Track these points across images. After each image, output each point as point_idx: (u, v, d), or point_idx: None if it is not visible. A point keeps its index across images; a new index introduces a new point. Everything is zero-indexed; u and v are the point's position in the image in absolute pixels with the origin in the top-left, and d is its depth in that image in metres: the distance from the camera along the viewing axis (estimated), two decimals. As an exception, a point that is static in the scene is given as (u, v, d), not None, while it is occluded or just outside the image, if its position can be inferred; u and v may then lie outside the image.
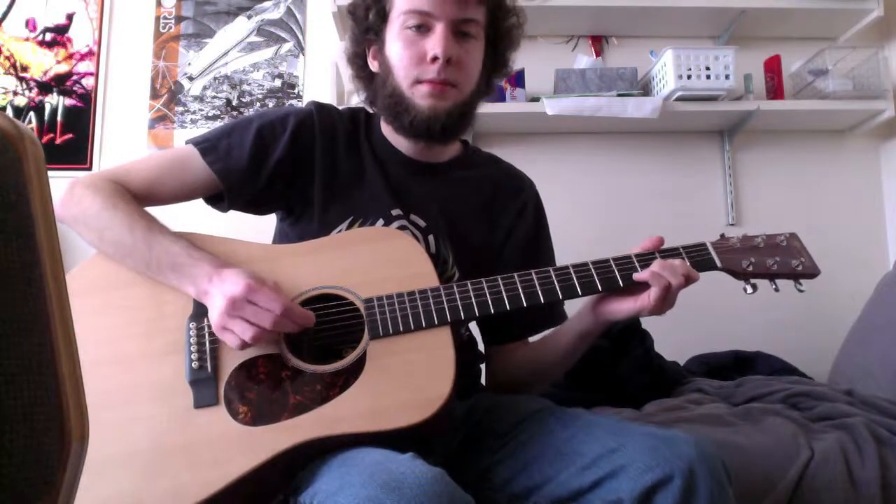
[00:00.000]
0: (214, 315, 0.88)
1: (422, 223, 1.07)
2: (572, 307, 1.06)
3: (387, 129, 1.13)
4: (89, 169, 2.13)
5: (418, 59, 1.02)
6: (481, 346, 1.19)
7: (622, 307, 0.96)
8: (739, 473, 0.90)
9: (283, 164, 1.06)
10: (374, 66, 1.10)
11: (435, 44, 1.00)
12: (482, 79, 1.09)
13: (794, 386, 1.43)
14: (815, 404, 1.35)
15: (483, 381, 1.20)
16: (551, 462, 0.87)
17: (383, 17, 1.06)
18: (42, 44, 2.21)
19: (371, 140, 1.13)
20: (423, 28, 1.02)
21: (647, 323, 1.60)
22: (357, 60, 1.12)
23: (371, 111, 1.17)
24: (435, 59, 1.00)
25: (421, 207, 1.08)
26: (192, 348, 0.90)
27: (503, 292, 0.94)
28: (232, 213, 1.11)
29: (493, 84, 1.17)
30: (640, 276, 0.93)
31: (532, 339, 1.18)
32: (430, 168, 1.13)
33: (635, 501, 0.78)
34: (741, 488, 0.86)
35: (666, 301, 0.93)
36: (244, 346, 0.88)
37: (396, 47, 1.04)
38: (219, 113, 2.19)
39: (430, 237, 1.07)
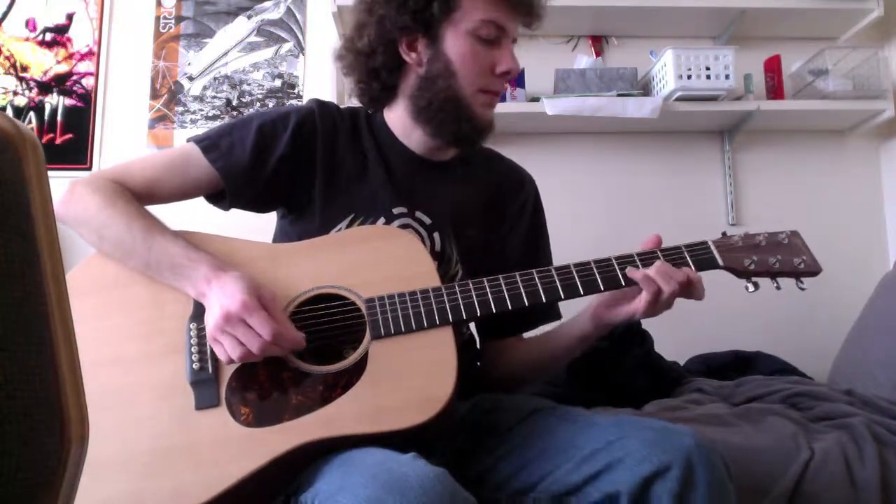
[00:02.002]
0: (210, 323, 0.88)
1: (427, 221, 1.07)
2: (572, 306, 1.06)
3: (399, 126, 1.11)
4: (89, 169, 2.13)
5: (488, 68, 1.03)
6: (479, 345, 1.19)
7: (618, 311, 0.97)
8: (739, 473, 0.90)
9: (285, 162, 1.06)
10: (410, 57, 1.05)
11: (509, 60, 1.03)
12: None
13: (794, 386, 1.43)
14: (815, 404, 1.34)
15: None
16: (551, 458, 0.87)
17: (447, 11, 1.01)
18: (42, 44, 2.21)
19: (375, 137, 1.12)
20: (495, 42, 1.03)
21: (647, 323, 1.60)
22: (389, 47, 1.05)
23: (372, 110, 1.16)
24: (506, 73, 1.04)
25: (427, 205, 1.08)
26: (192, 349, 0.90)
27: (505, 291, 0.94)
28: (232, 211, 1.11)
29: None
30: (633, 273, 0.93)
31: (527, 334, 1.18)
32: (435, 166, 1.12)
33: (633, 492, 0.78)
34: (741, 488, 0.86)
35: (658, 304, 0.93)
36: (231, 362, 0.88)
37: (464, 50, 1.02)
38: (219, 113, 2.19)
39: (436, 235, 1.07)
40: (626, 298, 0.96)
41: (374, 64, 1.07)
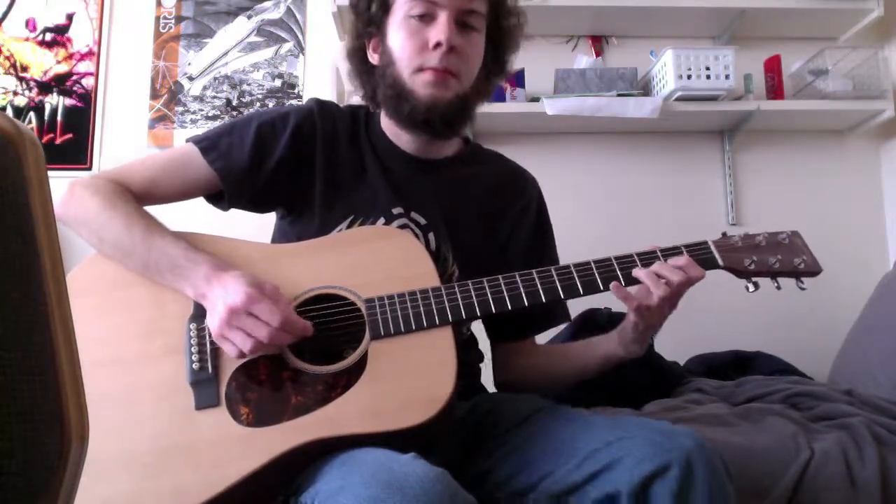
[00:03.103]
0: (214, 322, 0.88)
1: (422, 221, 1.07)
2: (575, 306, 1.06)
3: (388, 126, 1.12)
4: (89, 169, 2.13)
5: (421, 46, 1.01)
6: (481, 346, 1.19)
7: (627, 323, 0.99)
8: (739, 473, 0.90)
9: (284, 162, 1.06)
10: (374, 58, 1.09)
11: (438, 31, 0.99)
12: (482, 76, 1.08)
13: (794, 386, 1.43)
14: (815, 404, 1.34)
15: (483, 381, 1.20)
16: (551, 458, 0.87)
17: (385, 7, 1.05)
18: (42, 44, 2.21)
19: (372, 137, 1.13)
20: (426, 17, 1.01)
21: (648, 323, 1.60)
22: (357, 55, 1.11)
23: (372, 109, 1.17)
24: (437, 45, 0.99)
25: (421, 205, 1.08)
26: (192, 349, 0.90)
27: (504, 292, 0.94)
28: (232, 211, 1.11)
29: (493, 85, 1.16)
30: (617, 291, 0.94)
31: (539, 339, 1.19)
32: (431, 165, 1.12)
33: (633, 492, 0.78)
34: (741, 488, 0.86)
35: (652, 309, 0.94)
36: (242, 356, 0.88)
37: (399, 36, 1.03)
38: (219, 113, 2.19)
39: (430, 235, 1.07)
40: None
41: (357, 67, 1.12)
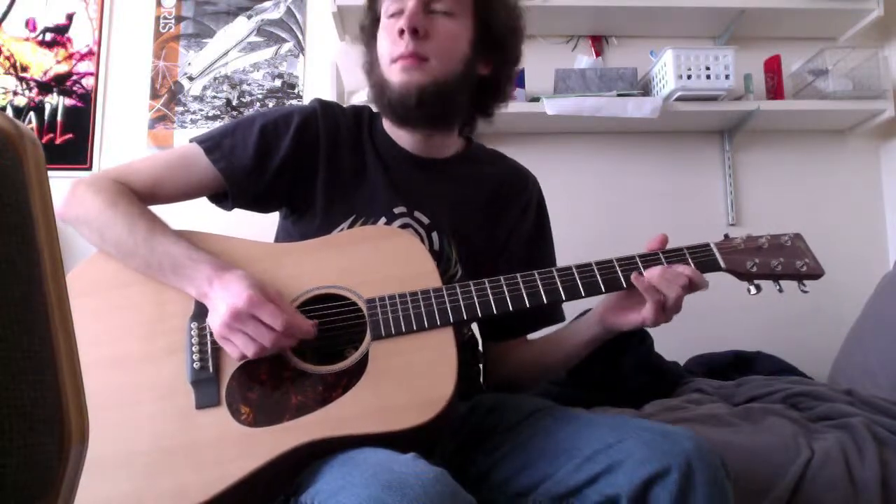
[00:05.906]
0: (216, 323, 0.88)
1: (425, 220, 1.07)
2: (573, 307, 1.06)
3: (389, 126, 1.13)
4: (89, 169, 2.13)
5: (393, 39, 1.03)
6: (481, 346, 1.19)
7: (627, 319, 0.97)
8: (739, 473, 0.90)
9: (287, 162, 1.06)
10: None
11: (402, 19, 1.02)
12: (469, 63, 1.06)
13: (794, 386, 1.43)
14: (815, 404, 1.34)
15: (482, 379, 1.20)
16: (550, 460, 0.87)
17: (375, 17, 1.09)
18: (42, 44, 2.21)
19: (374, 137, 1.13)
20: (399, 14, 1.03)
21: (648, 323, 1.60)
22: (367, 67, 1.14)
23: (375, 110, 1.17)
24: (401, 32, 1.01)
25: (424, 204, 1.08)
26: (193, 348, 0.90)
27: (506, 293, 0.94)
28: (234, 211, 1.11)
29: (504, 76, 1.13)
30: (636, 281, 0.93)
31: (531, 336, 1.18)
32: (433, 164, 1.12)
33: (633, 494, 0.78)
34: (741, 488, 0.86)
35: (665, 311, 0.93)
36: (244, 358, 0.88)
37: (381, 36, 1.07)
38: (219, 113, 2.19)
39: (434, 234, 1.07)
40: (634, 307, 0.96)
41: (368, 77, 1.13)
